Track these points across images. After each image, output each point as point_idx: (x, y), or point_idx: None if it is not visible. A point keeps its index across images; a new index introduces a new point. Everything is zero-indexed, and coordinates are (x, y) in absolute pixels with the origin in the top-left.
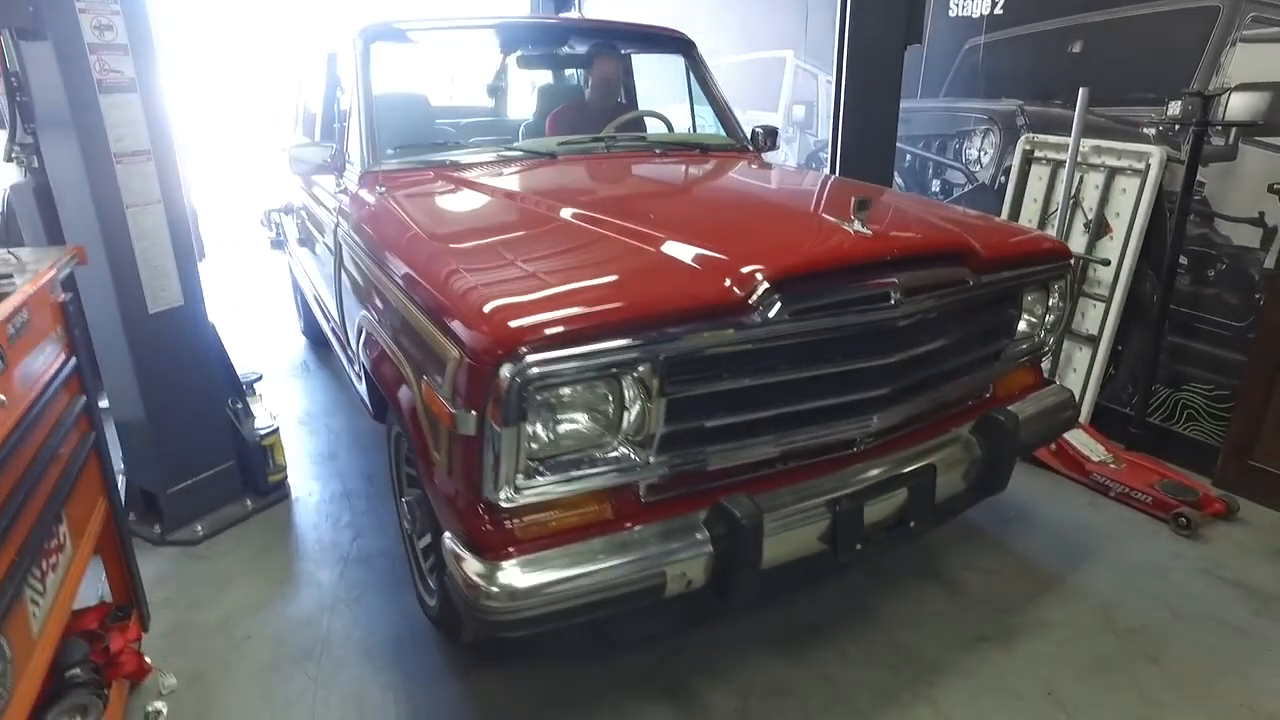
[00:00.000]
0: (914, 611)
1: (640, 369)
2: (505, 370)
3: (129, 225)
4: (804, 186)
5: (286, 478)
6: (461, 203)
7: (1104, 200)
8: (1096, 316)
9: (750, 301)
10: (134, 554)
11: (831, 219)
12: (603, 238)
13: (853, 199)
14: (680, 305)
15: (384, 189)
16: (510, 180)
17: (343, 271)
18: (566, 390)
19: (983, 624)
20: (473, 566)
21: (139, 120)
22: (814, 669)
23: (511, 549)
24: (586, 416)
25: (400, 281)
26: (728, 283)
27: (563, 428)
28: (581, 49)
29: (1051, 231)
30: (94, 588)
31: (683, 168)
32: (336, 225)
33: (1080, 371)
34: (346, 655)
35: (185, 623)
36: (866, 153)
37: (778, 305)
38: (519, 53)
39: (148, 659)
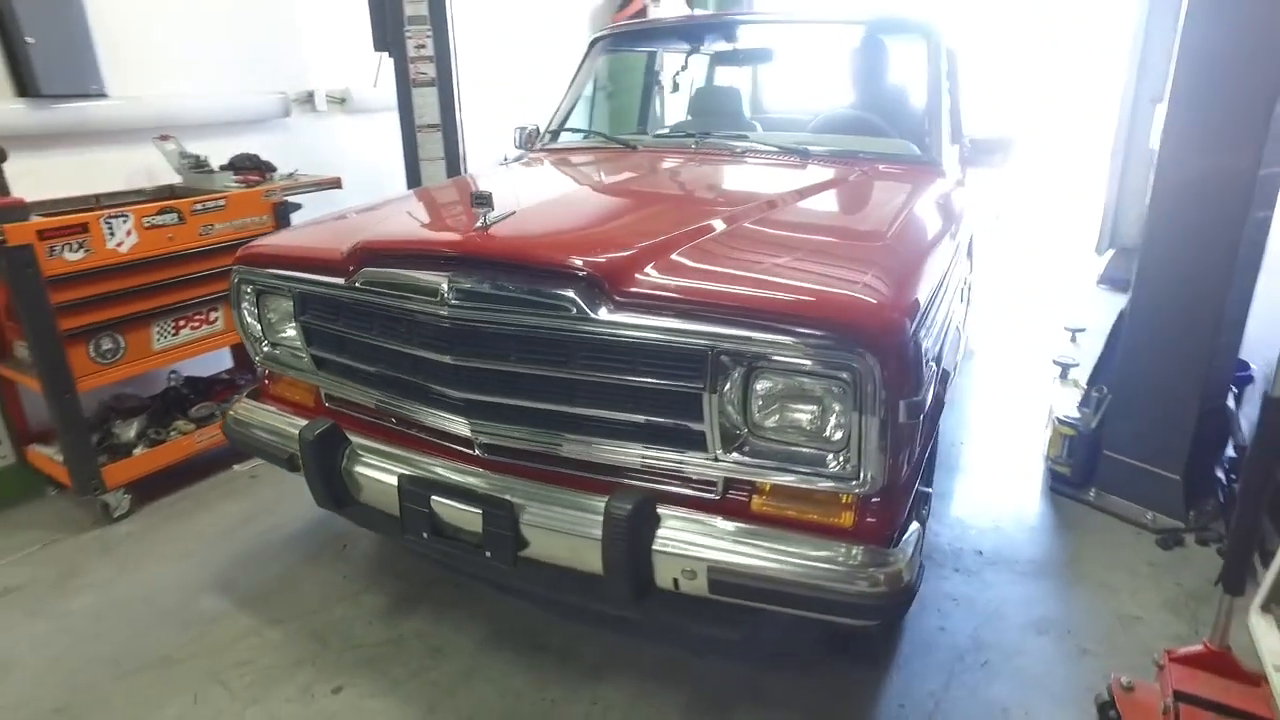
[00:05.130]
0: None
1: (284, 297)
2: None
3: (421, 171)
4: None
5: None
6: (502, 173)
7: None
8: None
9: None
10: None
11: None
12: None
13: (472, 191)
14: (302, 258)
15: (520, 157)
16: (564, 161)
17: None
18: (274, 299)
19: None
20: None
21: (434, 105)
22: (493, 678)
23: (258, 396)
24: (287, 325)
25: None
26: (344, 250)
27: (283, 329)
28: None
29: None
30: None
31: (694, 171)
32: None
33: None
34: None
35: None
36: (1198, 184)
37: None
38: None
39: None
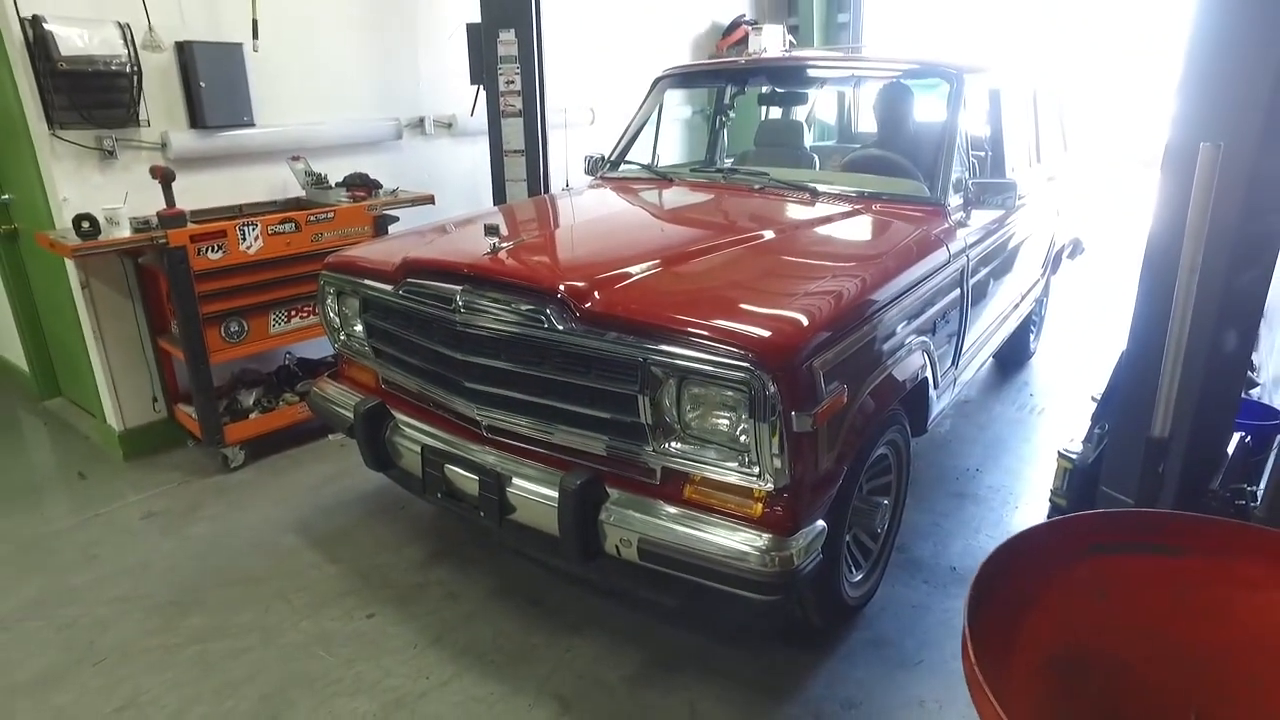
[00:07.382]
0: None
1: (355, 296)
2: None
3: (506, 191)
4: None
5: None
6: (566, 199)
7: None
8: None
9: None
10: None
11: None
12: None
13: (484, 224)
14: (366, 268)
15: (589, 184)
16: (608, 191)
17: None
18: (348, 299)
19: None
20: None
21: (519, 133)
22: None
23: (336, 377)
24: (356, 321)
25: None
26: (394, 263)
27: (354, 324)
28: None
29: None
30: None
31: (702, 207)
32: None
33: None
34: None
35: None
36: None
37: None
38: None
39: None
